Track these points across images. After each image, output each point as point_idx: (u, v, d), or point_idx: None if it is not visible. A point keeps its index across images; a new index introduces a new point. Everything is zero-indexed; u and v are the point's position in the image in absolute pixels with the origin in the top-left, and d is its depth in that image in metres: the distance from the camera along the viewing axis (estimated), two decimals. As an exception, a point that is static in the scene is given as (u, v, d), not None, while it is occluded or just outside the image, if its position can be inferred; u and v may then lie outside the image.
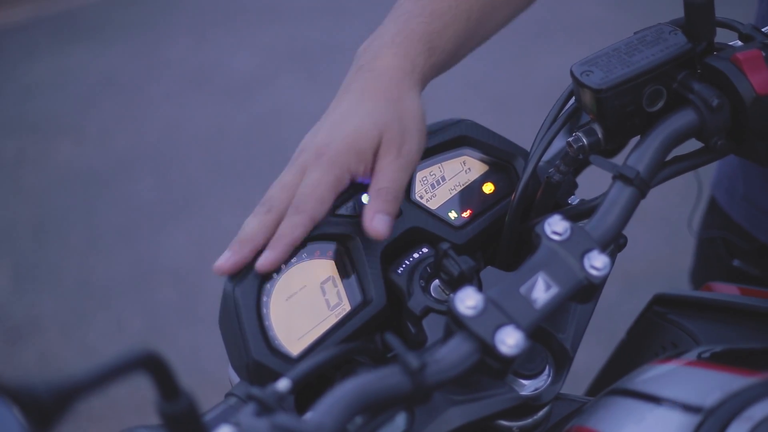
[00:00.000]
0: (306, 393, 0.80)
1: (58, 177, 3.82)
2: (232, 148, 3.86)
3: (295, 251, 0.84)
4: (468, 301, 0.69)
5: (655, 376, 0.80)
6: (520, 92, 3.88)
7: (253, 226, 0.83)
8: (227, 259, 0.82)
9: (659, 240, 2.67)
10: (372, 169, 0.86)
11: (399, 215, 0.88)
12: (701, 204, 1.43)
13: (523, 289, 0.71)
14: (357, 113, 0.87)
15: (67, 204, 3.64)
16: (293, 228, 0.82)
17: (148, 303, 3.10)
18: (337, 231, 0.85)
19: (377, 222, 0.83)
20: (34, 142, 4.08)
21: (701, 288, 1.04)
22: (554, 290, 0.71)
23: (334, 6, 4.94)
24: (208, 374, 2.71)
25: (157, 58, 4.67)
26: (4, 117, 4.32)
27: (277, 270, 0.83)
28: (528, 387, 0.81)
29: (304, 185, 0.83)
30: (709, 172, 1.41)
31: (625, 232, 0.81)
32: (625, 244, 0.88)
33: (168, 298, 3.11)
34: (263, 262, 0.81)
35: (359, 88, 0.89)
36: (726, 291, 1.02)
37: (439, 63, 0.94)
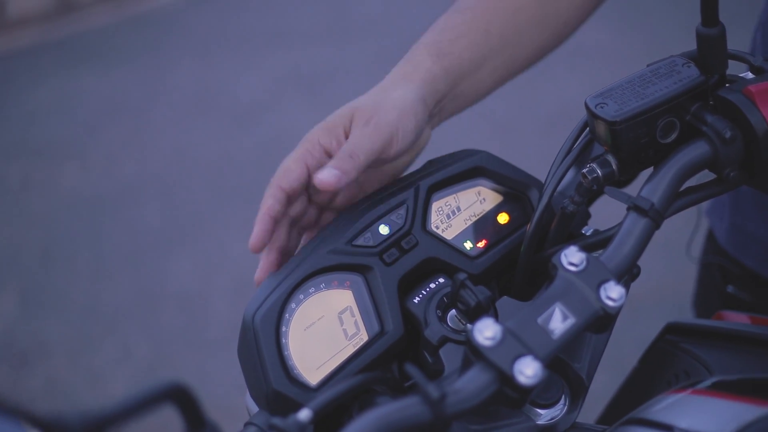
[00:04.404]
0: (324, 422, 0.81)
1: (64, 202, 3.84)
2: (238, 173, 3.88)
3: (313, 280, 0.86)
4: (486, 332, 0.69)
5: (670, 405, 0.80)
6: (522, 120, 3.89)
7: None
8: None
9: (664, 266, 2.67)
10: None
11: (416, 246, 0.89)
12: (700, 230, 1.44)
13: (540, 320, 0.72)
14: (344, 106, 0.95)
15: (73, 229, 3.65)
16: (265, 200, 0.92)
17: (155, 328, 3.10)
18: (354, 261, 0.86)
19: (324, 172, 0.87)
20: (39, 167, 4.10)
21: (712, 317, 1.05)
22: (571, 321, 0.72)
23: (338, 32, 4.97)
24: (216, 398, 2.71)
25: (162, 83, 4.70)
26: (10, 142, 4.34)
27: (296, 301, 0.84)
28: (544, 416, 0.82)
29: None
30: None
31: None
32: (638, 274, 0.89)
33: (174, 322, 3.11)
34: (250, 240, 0.92)
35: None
36: (737, 320, 1.02)
37: (454, 67, 0.98)
